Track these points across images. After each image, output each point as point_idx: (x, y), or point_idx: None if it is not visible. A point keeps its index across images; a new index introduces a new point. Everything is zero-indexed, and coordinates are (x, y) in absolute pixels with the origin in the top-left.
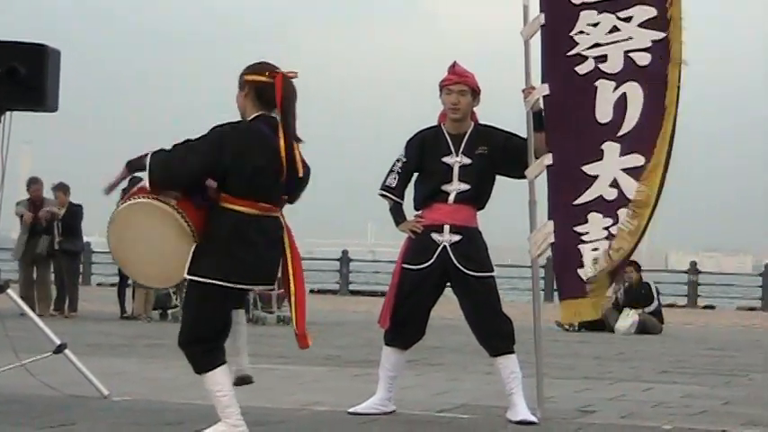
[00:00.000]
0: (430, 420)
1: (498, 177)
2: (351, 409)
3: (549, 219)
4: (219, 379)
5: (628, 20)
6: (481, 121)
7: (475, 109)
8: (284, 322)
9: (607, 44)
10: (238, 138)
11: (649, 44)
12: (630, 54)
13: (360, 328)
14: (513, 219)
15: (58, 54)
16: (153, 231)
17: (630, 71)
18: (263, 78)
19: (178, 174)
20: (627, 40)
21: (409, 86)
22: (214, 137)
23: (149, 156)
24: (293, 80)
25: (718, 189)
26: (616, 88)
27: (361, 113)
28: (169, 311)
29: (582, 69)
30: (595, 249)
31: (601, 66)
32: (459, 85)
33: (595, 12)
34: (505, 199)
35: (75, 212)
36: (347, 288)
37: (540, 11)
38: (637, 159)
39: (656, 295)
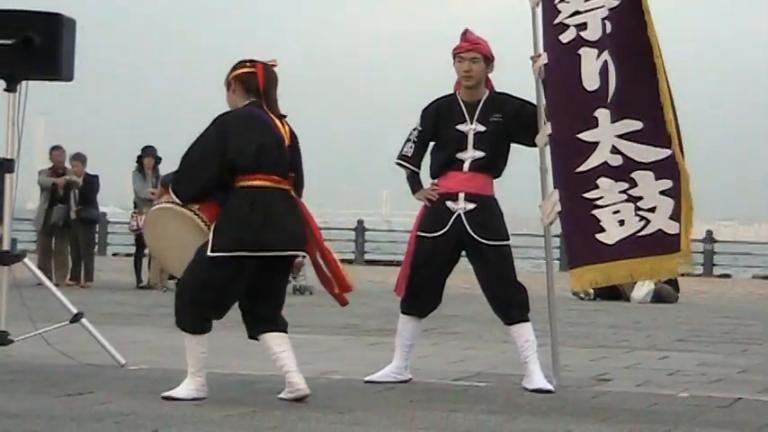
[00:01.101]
0: (446, 389)
1: (514, 145)
2: (367, 378)
3: (554, 187)
4: (205, 342)
5: None
6: (497, 89)
7: (490, 76)
8: (300, 292)
9: (585, 11)
10: (237, 121)
11: (607, 13)
12: (604, 21)
13: (376, 297)
14: (530, 187)
15: (73, 23)
16: (177, 231)
17: (605, 38)
18: (245, 70)
19: (195, 191)
20: (601, 7)
21: (425, 50)
22: (215, 129)
23: (172, 181)
24: (274, 68)
25: (734, 157)
26: (598, 56)
27: (374, 82)
28: None
29: (565, 38)
30: (617, 212)
31: (582, 33)
32: (472, 52)
33: None
34: (523, 167)
35: (91, 182)
36: (363, 257)
37: None
38: (632, 124)
39: None
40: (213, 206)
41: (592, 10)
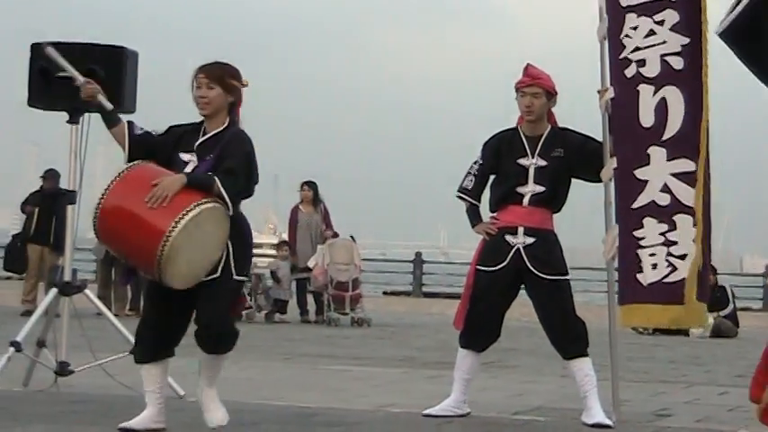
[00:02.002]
0: (505, 423)
1: (574, 180)
2: (425, 411)
3: (615, 222)
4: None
5: (661, 23)
6: (560, 124)
7: (553, 110)
8: (358, 324)
9: (645, 48)
10: None
11: (679, 48)
12: (666, 58)
13: (434, 329)
14: (586, 220)
15: (136, 56)
16: (209, 236)
17: (668, 75)
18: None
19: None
20: (662, 43)
21: (483, 86)
22: (254, 158)
23: (232, 188)
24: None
25: None
26: (655, 92)
27: (435, 114)
28: (243, 312)
29: (628, 73)
30: (653, 255)
31: (641, 70)
32: (533, 87)
33: (635, 15)
34: (579, 200)
35: None
36: (420, 290)
37: (606, 13)
38: (687, 164)
39: (731, 299)
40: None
41: (651, 46)
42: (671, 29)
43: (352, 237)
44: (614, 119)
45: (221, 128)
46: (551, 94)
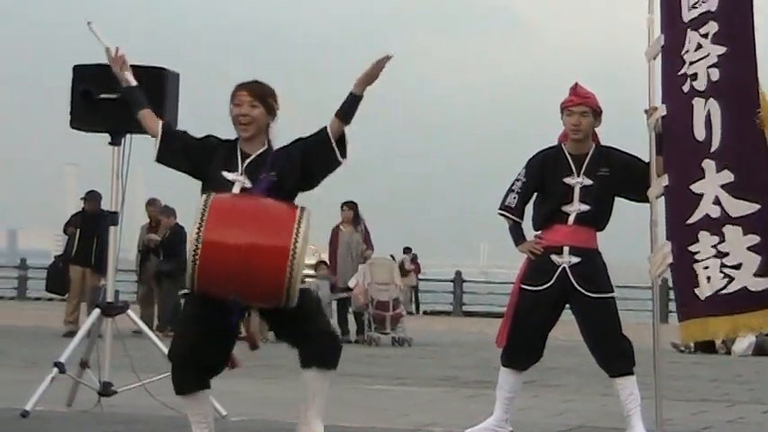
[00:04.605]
0: None
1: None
2: (467, 431)
3: (666, 239)
4: None
5: (706, 36)
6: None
7: (597, 129)
8: (398, 343)
9: (695, 62)
10: None
11: (716, 59)
12: (708, 70)
13: (474, 348)
14: (626, 239)
15: (176, 77)
16: None
17: (709, 87)
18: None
19: None
20: (707, 56)
21: (521, 107)
22: None
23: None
24: None
25: None
26: (705, 106)
27: (472, 134)
28: None
29: (685, 88)
30: (706, 268)
31: (694, 84)
32: (581, 106)
33: (690, 29)
34: (620, 219)
35: (176, 234)
36: (461, 309)
37: (661, 32)
38: (727, 176)
39: None
40: None
41: (701, 59)
42: (711, 41)
43: (392, 256)
44: (668, 136)
45: (263, 148)
46: (597, 113)
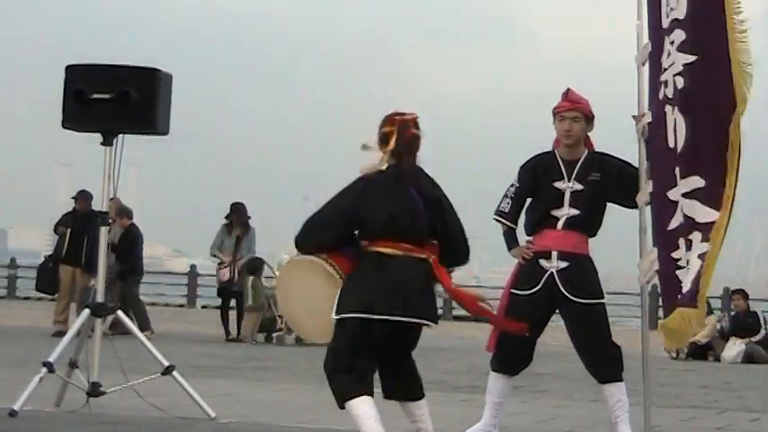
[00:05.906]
0: None
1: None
2: None
3: (653, 246)
4: (363, 407)
5: (672, 43)
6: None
7: (590, 135)
8: None
9: (665, 69)
10: (371, 189)
11: (681, 68)
12: (674, 78)
13: (464, 353)
14: (616, 245)
15: (169, 78)
16: (309, 285)
17: (675, 95)
18: (385, 129)
19: (317, 243)
20: (672, 64)
21: (509, 107)
22: (353, 193)
23: (298, 235)
24: (413, 122)
25: None
26: (672, 113)
27: (466, 135)
28: (274, 335)
29: (660, 95)
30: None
31: (665, 91)
32: (573, 111)
33: (666, 35)
34: (610, 225)
35: (130, 236)
36: (451, 313)
37: (648, 38)
38: (697, 181)
39: (763, 324)
40: (342, 259)
41: (669, 67)
42: (677, 48)
43: None
44: (650, 143)
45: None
46: (590, 119)
